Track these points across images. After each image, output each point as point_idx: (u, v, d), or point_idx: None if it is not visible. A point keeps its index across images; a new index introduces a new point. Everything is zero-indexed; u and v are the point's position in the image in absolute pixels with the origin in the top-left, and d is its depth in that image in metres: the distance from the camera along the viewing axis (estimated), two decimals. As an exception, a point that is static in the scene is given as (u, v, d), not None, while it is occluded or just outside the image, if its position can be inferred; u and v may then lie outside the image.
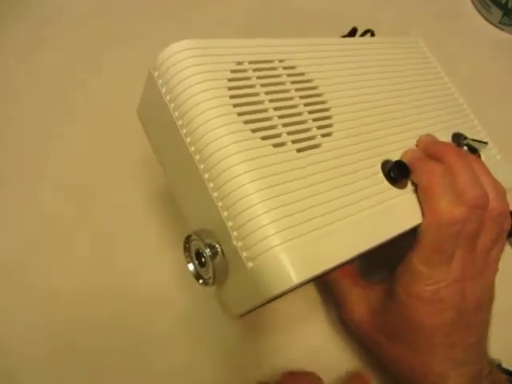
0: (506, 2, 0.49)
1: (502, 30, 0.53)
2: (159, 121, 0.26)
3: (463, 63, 0.45)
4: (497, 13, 0.51)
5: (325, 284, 0.38)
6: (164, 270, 0.38)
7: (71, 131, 0.43)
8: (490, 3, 0.51)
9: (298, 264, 0.21)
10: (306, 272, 0.21)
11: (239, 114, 0.23)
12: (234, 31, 0.50)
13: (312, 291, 0.39)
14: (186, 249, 0.25)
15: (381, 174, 0.27)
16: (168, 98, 0.24)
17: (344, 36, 0.49)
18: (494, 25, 0.53)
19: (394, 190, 0.27)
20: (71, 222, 0.39)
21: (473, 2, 0.55)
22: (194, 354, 0.35)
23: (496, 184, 0.30)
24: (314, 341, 0.37)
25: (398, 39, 0.39)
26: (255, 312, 0.25)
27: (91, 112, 0.44)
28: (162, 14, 0.51)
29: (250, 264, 0.21)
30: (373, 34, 0.49)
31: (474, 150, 0.34)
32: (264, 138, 0.23)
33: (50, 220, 0.39)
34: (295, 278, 0.21)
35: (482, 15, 0.54)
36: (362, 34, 0.49)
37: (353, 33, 0.49)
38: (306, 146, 0.25)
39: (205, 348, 0.35)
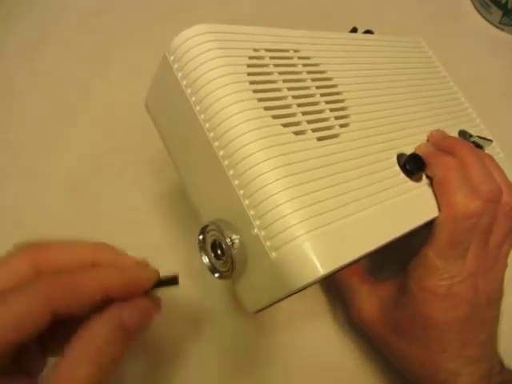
0: (506, 2, 0.50)
1: (501, 29, 0.53)
2: (173, 109, 0.25)
3: (463, 63, 0.46)
4: (496, 13, 0.51)
5: (330, 284, 0.37)
6: (165, 270, 0.36)
7: (72, 131, 0.43)
8: (489, 3, 0.52)
9: (324, 254, 0.20)
10: (333, 263, 0.20)
11: (259, 100, 0.23)
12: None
13: (316, 291, 0.38)
14: (201, 240, 0.24)
15: (397, 167, 0.27)
16: (185, 83, 0.23)
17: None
18: (494, 25, 0.53)
19: (410, 183, 0.27)
20: (71, 222, 0.38)
21: (472, 2, 0.55)
22: (195, 351, 0.34)
23: (507, 179, 0.30)
24: (318, 340, 0.36)
25: (400, 38, 0.39)
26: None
27: (91, 111, 0.44)
28: (161, 13, 0.51)
29: (274, 254, 0.21)
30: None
31: (479, 148, 0.34)
32: (285, 126, 0.23)
33: (50, 220, 0.38)
34: (322, 269, 0.20)
35: (482, 15, 0.54)
36: (362, 35, 0.49)
37: (353, 32, 0.49)
38: (325, 136, 0.24)
39: (205, 345, 0.35)
